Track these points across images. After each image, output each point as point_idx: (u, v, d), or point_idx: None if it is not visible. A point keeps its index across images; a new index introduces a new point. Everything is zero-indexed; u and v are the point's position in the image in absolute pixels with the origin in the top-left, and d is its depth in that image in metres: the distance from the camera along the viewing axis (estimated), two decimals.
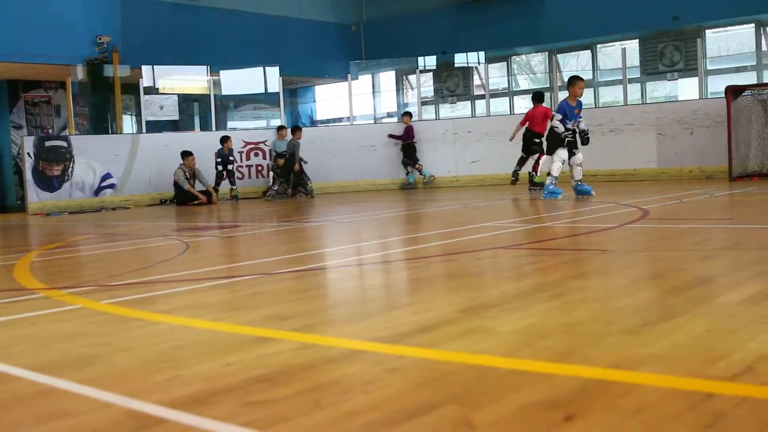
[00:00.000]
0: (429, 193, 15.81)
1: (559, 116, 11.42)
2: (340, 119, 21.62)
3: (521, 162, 14.66)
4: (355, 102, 20.11)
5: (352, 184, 18.54)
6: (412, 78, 22.64)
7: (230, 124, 21.83)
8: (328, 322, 3.55)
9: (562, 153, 11.36)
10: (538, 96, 14.76)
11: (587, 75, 20.67)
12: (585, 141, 11.53)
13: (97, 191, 16.68)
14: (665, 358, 2.53)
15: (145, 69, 18.64)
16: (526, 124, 14.49)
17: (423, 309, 3.60)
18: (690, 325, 2.97)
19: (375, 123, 22.11)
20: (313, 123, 24.61)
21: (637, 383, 2.27)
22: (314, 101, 25.30)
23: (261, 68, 20.53)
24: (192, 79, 20.34)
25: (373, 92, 23.78)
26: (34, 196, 16.10)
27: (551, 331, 3.00)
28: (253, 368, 2.65)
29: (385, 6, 24.24)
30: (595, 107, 19.44)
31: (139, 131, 18.36)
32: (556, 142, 11.52)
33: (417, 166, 18.15)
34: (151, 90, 18.79)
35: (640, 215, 7.91)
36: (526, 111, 15.15)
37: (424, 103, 21.45)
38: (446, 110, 22.67)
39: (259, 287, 4.61)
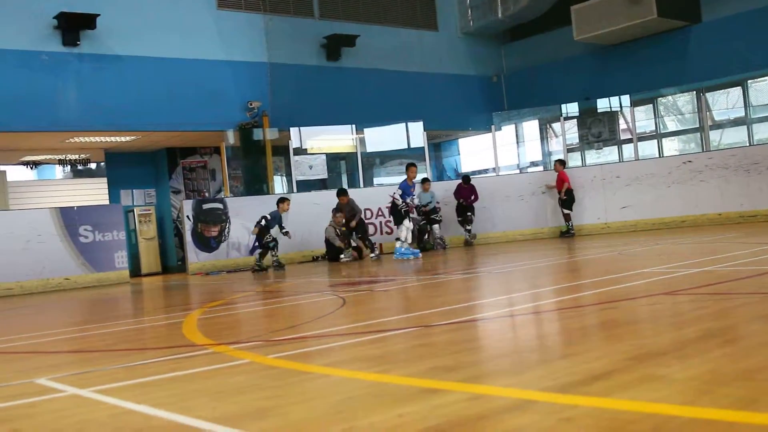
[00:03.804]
0: (579, 242, 15.54)
1: (400, 191, 14.41)
2: (485, 170, 21.64)
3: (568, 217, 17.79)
4: (499, 152, 20.11)
5: (500, 234, 18.45)
6: (556, 126, 22.46)
7: (376, 180, 22.19)
8: (495, 372, 3.53)
9: (407, 222, 14.38)
10: (563, 162, 18.41)
11: (739, 112, 19.96)
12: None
13: (252, 250, 17.22)
14: None
15: (293, 131, 19.23)
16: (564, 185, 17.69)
17: (591, 358, 3.53)
18: None
19: (520, 173, 22.01)
20: (458, 175, 24.70)
21: None
22: (458, 154, 25.43)
23: (404, 124, 20.84)
24: (338, 139, 20.82)
25: (517, 142, 23.69)
26: (194, 256, 16.79)
27: (730, 378, 2.89)
28: (427, 419, 2.66)
29: (525, 55, 24.25)
30: (750, 145, 18.72)
31: (290, 191, 18.90)
32: (400, 213, 14.39)
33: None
34: (300, 150, 19.34)
35: None
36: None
37: (569, 150, 21.22)
38: (592, 156, 22.32)
39: (421, 339, 4.63)
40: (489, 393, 3.01)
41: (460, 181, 18.46)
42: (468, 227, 17.97)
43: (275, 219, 15.01)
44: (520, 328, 4.98)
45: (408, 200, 14.47)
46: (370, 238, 16.77)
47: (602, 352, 3.66)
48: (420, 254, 14.68)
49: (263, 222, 14.88)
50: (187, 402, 3.39)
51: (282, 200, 15.40)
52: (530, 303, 6.25)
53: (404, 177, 14.96)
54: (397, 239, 14.58)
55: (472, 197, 17.90)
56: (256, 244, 15.34)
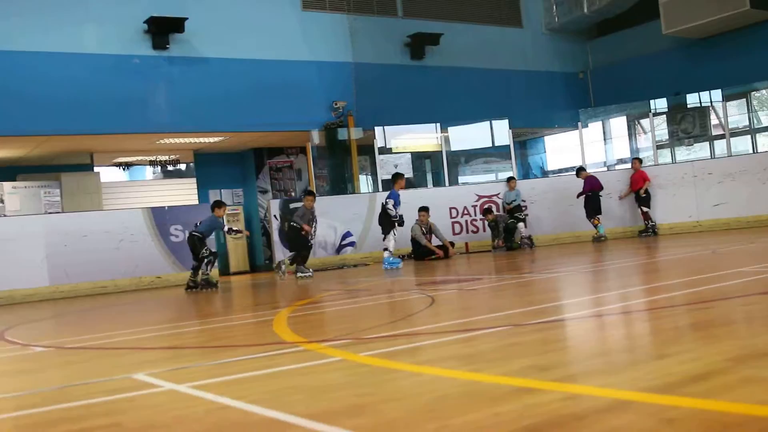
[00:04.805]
0: (669, 240, 15.22)
1: (392, 201, 14.37)
2: (572, 168, 21.33)
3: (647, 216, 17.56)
4: (586, 150, 19.83)
5: (588, 233, 18.15)
6: (644, 122, 22.03)
7: (462, 178, 22.09)
8: (590, 371, 3.48)
9: (394, 232, 14.45)
10: (641, 160, 18.44)
11: None
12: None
13: (339, 249, 17.38)
14: None
15: (378, 130, 19.31)
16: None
17: (690, 358, 3.44)
18: None
19: (608, 170, 21.64)
20: (545, 173, 24.47)
21: None
22: (544, 151, 25.18)
23: (488, 122, 20.73)
24: (423, 137, 20.83)
25: (604, 139, 23.32)
26: (281, 255, 16.97)
27: None
28: (523, 418, 2.64)
29: (612, 51, 23.87)
30: None
31: (375, 190, 18.98)
32: (389, 223, 14.39)
33: (592, 221, 17.53)
34: (385, 150, 19.41)
35: None
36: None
37: (658, 147, 20.79)
38: (683, 153, 21.82)
39: (513, 338, 4.59)
40: (584, 393, 2.97)
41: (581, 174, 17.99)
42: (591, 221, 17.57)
43: (211, 227, 13.32)
44: (612, 328, 4.90)
45: (398, 210, 14.49)
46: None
47: (699, 353, 3.56)
48: (401, 264, 14.59)
49: (195, 236, 12.93)
50: (282, 398, 3.43)
51: (217, 204, 13.57)
52: (620, 303, 6.14)
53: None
54: (386, 249, 14.49)
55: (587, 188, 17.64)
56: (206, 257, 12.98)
